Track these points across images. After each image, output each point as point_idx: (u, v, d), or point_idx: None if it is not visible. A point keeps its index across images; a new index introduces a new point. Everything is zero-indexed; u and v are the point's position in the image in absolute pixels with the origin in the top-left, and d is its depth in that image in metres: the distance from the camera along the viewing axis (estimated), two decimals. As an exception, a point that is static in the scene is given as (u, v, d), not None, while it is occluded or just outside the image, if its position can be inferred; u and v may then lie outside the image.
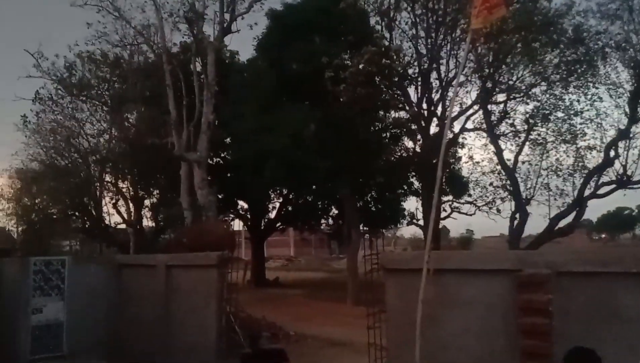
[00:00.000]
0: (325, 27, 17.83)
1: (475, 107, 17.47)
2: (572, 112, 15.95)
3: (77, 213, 20.25)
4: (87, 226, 20.15)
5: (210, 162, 24.13)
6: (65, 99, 20.78)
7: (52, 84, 19.06)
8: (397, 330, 5.45)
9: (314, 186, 21.31)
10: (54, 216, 20.37)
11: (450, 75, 18.15)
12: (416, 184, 22.55)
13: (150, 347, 8.48)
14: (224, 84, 21.67)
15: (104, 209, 20.40)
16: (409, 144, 21.61)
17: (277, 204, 27.84)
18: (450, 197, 22.43)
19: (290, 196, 26.25)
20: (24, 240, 22.03)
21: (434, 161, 18.12)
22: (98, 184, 20.68)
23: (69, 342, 8.97)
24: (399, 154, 21.62)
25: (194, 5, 14.91)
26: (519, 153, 16.50)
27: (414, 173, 21.88)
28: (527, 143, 16.94)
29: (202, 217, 13.31)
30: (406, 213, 25.69)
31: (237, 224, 29.76)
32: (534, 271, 4.49)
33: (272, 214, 28.48)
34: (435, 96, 18.03)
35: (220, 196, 25.39)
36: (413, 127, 19.37)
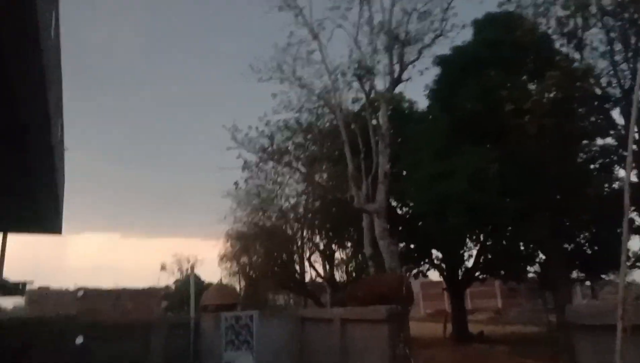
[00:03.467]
0: (499, 60, 16.80)
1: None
2: None
3: (279, 269, 21.84)
4: (288, 281, 21.52)
5: (399, 212, 24.22)
6: (268, 165, 23.12)
7: (247, 152, 21.05)
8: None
9: (507, 230, 19.57)
10: (269, 273, 22.33)
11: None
12: (638, 220, 19.08)
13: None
14: (403, 133, 21.86)
15: (300, 264, 21.62)
16: (622, 173, 18.66)
17: (474, 252, 26.18)
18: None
19: (487, 242, 24.49)
20: (245, 295, 24.60)
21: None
22: (299, 240, 22.27)
23: (259, 393, 9.33)
24: (609, 186, 18.72)
25: (362, 62, 15.39)
26: None
27: (633, 208, 18.59)
28: None
29: (384, 268, 13.09)
30: (631, 254, 21.85)
31: (435, 275, 28.85)
32: None
33: (470, 263, 26.82)
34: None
35: (412, 247, 25.08)
36: (624, 153, 16.70)
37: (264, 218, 22.66)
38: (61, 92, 7.27)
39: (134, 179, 76.38)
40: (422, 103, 22.59)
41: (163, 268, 35.35)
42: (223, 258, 26.73)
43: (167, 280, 35.86)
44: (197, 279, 27.46)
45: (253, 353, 9.51)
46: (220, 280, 28.25)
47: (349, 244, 21.40)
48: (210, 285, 29.64)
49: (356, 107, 19.08)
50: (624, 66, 15.37)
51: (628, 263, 21.52)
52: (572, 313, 4.73)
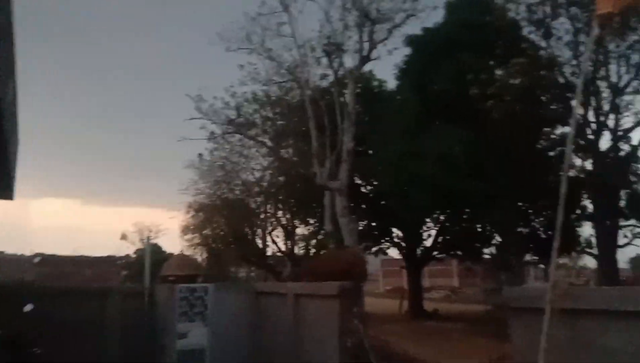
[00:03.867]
0: (470, 43, 16.88)
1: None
2: None
3: (241, 242, 21.84)
4: (249, 254, 21.57)
5: (364, 190, 24.44)
6: (234, 137, 22.85)
7: (211, 124, 20.69)
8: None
9: (468, 212, 20.00)
10: (231, 245, 22.30)
11: (624, 82, 15.85)
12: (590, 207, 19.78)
13: (281, 377, 8.47)
14: (371, 112, 21.88)
15: (263, 239, 21.68)
16: (579, 162, 19.26)
17: (434, 232, 26.77)
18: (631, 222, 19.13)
19: (447, 223, 25.03)
20: (207, 267, 24.57)
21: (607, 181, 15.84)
22: (262, 214, 22.30)
23: (212, 366, 9.39)
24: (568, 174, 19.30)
25: (331, 37, 15.26)
26: None
27: (586, 195, 19.26)
28: None
29: (343, 245, 13.25)
30: (582, 240, 22.73)
31: (394, 253, 29.41)
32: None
33: (429, 242, 27.43)
34: (606, 106, 15.82)
35: (374, 225, 25.42)
36: (581, 142, 17.19)
37: (227, 191, 22.51)
38: (12, 47, 6.88)
39: (97, 144, 74.20)
40: (392, 83, 22.63)
41: (124, 237, 34.83)
42: (185, 229, 26.59)
43: (128, 249, 35.43)
44: (159, 249, 27.25)
45: (207, 325, 9.52)
46: (182, 251, 28.13)
47: (312, 220, 21.55)
48: (172, 255, 29.47)
49: (324, 83, 18.99)
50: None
51: (578, 249, 22.40)
52: (507, 295, 4.89)
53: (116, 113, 75.71)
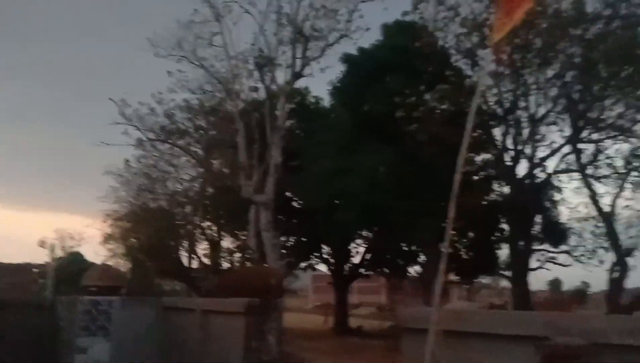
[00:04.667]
0: (401, 66, 17.39)
1: (568, 147, 15.82)
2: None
3: (164, 254, 21.10)
4: (172, 267, 20.87)
5: (296, 205, 24.39)
6: (164, 146, 22.15)
7: (135, 130, 19.86)
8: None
9: (394, 230, 20.38)
10: (155, 257, 21.41)
11: (541, 112, 16.78)
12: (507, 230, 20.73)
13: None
14: (306, 128, 21.97)
15: (188, 251, 21.09)
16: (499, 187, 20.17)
17: (362, 249, 27.10)
18: (544, 245, 20.23)
19: (375, 240, 25.41)
20: (132, 279, 23.51)
21: (524, 205, 16.65)
22: (188, 226, 21.67)
23: (113, 384, 8.93)
24: (488, 198, 20.14)
25: (263, 51, 15.23)
26: (617, 196, 14.52)
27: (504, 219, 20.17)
28: (629, 186, 14.88)
29: (265, 260, 13.09)
30: (500, 262, 23.73)
31: (323, 269, 29.49)
32: (563, 340, 3.49)
33: (357, 259, 27.72)
34: (524, 136, 16.68)
35: (303, 240, 25.39)
36: (500, 169, 18.03)
37: (152, 200, 21.76)
38: None
39: (12, 145, 69.26)
40: (329, 100, 22.90)
41: (42, 244, 32.81)
42: (107, 238, 25.44)
43: (47, 257, 33.35)
44: (80, 258, 25.91)
45: (110, 341, 9.06)
46: (104, 261, 26.92)
47: (240, 234, 21.22)
48: (93, 265, 28.07)
49: (257, 96, 18.89)
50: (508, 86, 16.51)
51: (496, 270, 23.33)
52: (401, 316, 4.96)
53: (34, 113, 71.27)
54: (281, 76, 16.43)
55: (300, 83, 20.84)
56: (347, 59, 19.23)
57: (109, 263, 27.15)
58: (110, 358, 8.98)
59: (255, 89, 18.35)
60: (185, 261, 21.05)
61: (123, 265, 25.93)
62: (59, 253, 32.24)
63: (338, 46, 16.97)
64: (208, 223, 21.73)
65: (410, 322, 4.79)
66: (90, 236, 26.64)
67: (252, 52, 16.23)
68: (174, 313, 9.33)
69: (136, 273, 22.76)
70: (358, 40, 17.88)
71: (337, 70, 19.44)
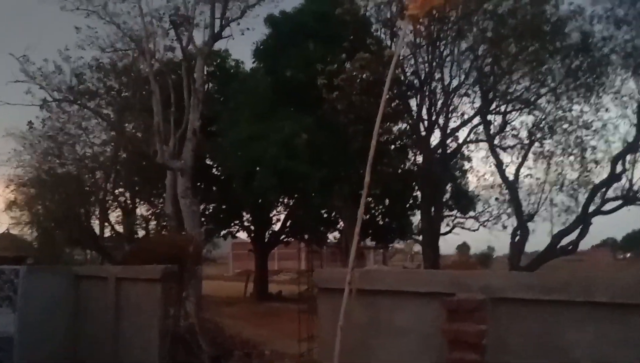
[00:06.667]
0: (322, 33, 17.40)
1: (478, 118, 16.71)
2: (578, 124, 15.04)
3: (73, 222, 20.02)
4: (82, 236, 19.88)
5: (216, 172, 23.98)
6: (72, 107, 20.71)
7: (39, 89, 18.34)
8: (328, 356, 4.76)
9: (313, 198, 20.70)
10: (64, 225, 20.22)
11: (454, 83, 17.49)
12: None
13: (100, 366, 7.95)
14: (225, 92, 21.44)
15: (100, 219, 20.16)
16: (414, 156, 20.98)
17: (282, 217, 27.35)
18: (454, 212, 21.50)
19: (294, 207, 25.70)
20: (39, 248, 22.09)
21: (436, 174, 17.47)
22: (99, 193, 20.63)
23: (20, 357, 8.48)
24: (403, 166, 20.91)
25: (179, 9, 14.57)
26: (520, 166, 15.65)
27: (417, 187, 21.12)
28: (531, 156, 16.07)
29: (183, 227, 12.83)
30: (414, 227, 24.92)
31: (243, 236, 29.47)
32: (465, 296, 3.78)
33: (277, 226, 27.96)
34: (436, 106, 17.37)
35: (223, 207, 25.14)
36: (414, 138, 18.72)
37: (59, 165, 20.43)
38: None
39: None
40: (250, 64, 22.45)
41: None
42: (10, 205, 23.66)
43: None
44: (-18, 228, 24.08)
45: (15, 311, 8.55)
46: (8, 229, 25.17)
47: (155, 200, 20.57)
48: (-3, 234, 26.10)
49: (173, 57, 18.12)
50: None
51: (409, 235, 24.48)
52: (317, 277, 5.12)
53: None
54: (199, 37, 15.82)
55: (219, 45, 20.30)
56: (270, 20, 18.87)
57: (13, 232, 25.46)
58: (17, 329, 8.50)
59: (172, 49, 17.58)
60: (97, 229, 20.08)
61: (29, 234, 24.44)
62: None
63: (261, 9, 16.53)
64: (121, 190, 20.80)
65: (326, 282, 4.95)
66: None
67: (168, 10, 15.48)
68: (87, 282, 8.94)
69: (44, 242, 21.52)
70: (281, 3, 17.57)
71: (260, 33, 19.06)
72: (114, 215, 20.83)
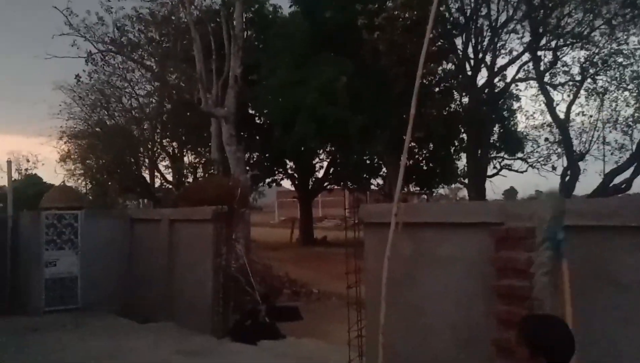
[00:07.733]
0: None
1: (527, 55, 15.95)
2: (634, 57, 14.13)
3: (125, 172, 20.76)
4: (134, 185, 20.65)
5: (258, 120, 24.11)
6: (116, 59, 21.08)
7: (84, 41, 18.63)
8: (374, 289, 4.88)
9: (355, 143, 20.58)
10: (115, 176, 21.01)
11: (502, 19, 16.68)
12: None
13: (156, 303, 8.43)
14: (264, 39, 21.22)
15: (149, 168, 20.82)
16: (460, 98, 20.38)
17: (325, 164, 27.45)
18: (501, 153, 20.93)
19: (337, 154, 25.69)
20: (92, 198, 23.18)
21: (483, 115, 16.98)
22: (148, 143, 21.22)
23: (83, 294, 9.11)
24: (448, 109, 20.37)
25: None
26: (571, 104, 14.97)
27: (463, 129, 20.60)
28: (583, 93, 15.32)
29: (229, 173, 13.12)
30: (460, 171, 24.51)
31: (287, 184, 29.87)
32: (514, 224, 3.74)
33: (321, 174, 28.13)
34: (483, 44, 16.67)
35: (267, 155, 25.42)
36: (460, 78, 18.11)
37: (108, 117, 21.05)
38: None
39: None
40: (288, 9, 22.03)
41: (-5, 167, 31.67)
42: (64, 158, 24.72)
43: (1, 179, 32.37)
44: (39, 180, 25.27)
45: (78, 253, 9.12)
46: (63, 181, 26.36)
47: (201, 149, 21.00)
48: (52, 186, 27.40)
49: (212, 4, 18.00)
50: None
51: (455, 179, 24.12)
52: (363, 212, 5.16)
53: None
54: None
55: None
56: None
57: (69, 184, 26.71)
58: (81, 269, 9.09)
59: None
60: (147, 178, 20.81)
61: (83, 186, 25.54)
62: (15, 176, 31.36)
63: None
64: (168, 139, 21.32)
65: (372, 216, 5.01)
66: (46, 157, 25.79)
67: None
68: (141, 224, 9.40)
69: (97, 192, 22.49)
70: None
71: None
72: (163, 164, 21.43)
